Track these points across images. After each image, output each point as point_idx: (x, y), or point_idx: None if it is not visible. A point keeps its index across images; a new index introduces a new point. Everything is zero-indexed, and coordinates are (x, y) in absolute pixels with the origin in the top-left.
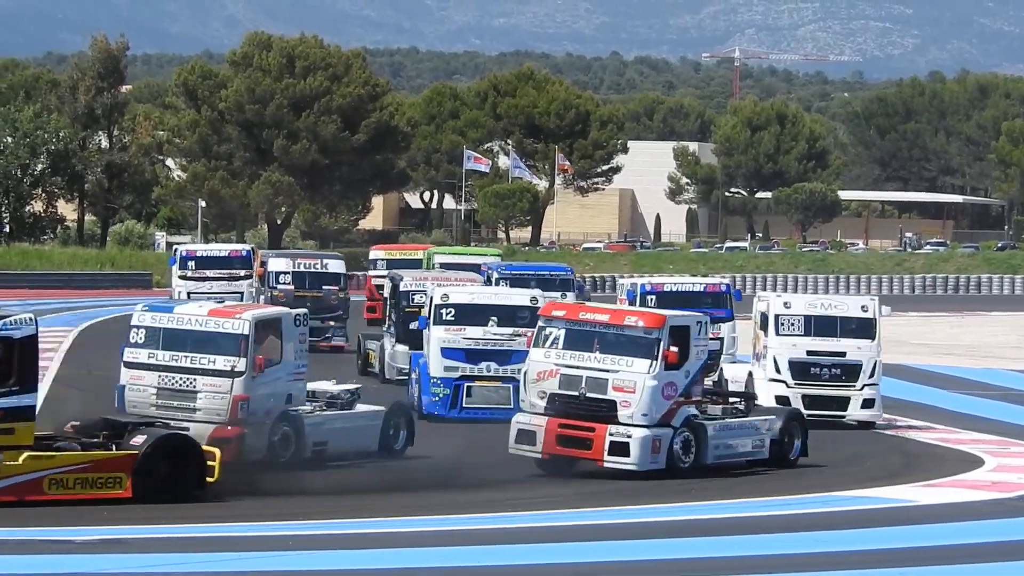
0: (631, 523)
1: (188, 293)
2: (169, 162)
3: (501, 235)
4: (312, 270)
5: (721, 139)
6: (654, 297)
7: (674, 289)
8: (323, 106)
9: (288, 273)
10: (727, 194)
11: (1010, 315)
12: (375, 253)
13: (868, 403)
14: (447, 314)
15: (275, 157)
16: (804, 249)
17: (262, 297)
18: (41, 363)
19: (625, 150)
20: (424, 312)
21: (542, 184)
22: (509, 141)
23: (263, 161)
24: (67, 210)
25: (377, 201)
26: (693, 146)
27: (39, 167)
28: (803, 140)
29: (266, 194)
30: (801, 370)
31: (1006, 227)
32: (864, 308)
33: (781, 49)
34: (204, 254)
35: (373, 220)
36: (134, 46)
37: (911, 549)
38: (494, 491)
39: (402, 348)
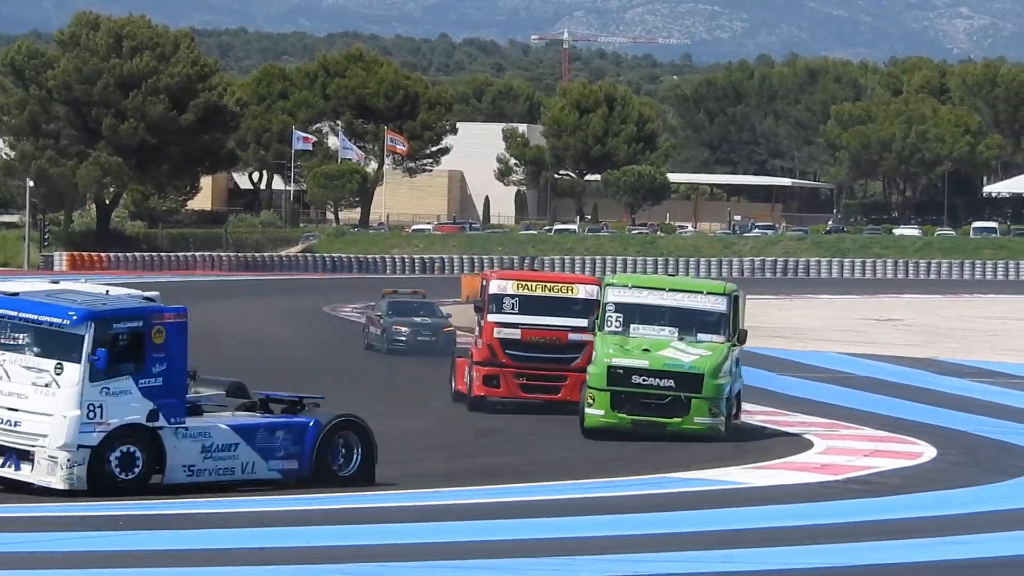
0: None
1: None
2: None
3: (330, 216)
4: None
5: (550, 121)
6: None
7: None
8: (151, 86)
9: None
10: (556, 176)
11: (838, 298)
12: (498, 284)
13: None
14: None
15: (103, 136)
16: (633, 232)
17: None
18: None
19: (454, 131)
20: None
21: (372, 165)
22: (339, 122)
23: (91, 140)
24: None
25: (206, 182)
26: (522, 128)
27: None
28: (632, 123)
29: (94, 174)
30: None
31: (835, 210)
32: None
33: (610, 32)
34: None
35: (202, 200)
36: None
37: (738, 531)
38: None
39: None
